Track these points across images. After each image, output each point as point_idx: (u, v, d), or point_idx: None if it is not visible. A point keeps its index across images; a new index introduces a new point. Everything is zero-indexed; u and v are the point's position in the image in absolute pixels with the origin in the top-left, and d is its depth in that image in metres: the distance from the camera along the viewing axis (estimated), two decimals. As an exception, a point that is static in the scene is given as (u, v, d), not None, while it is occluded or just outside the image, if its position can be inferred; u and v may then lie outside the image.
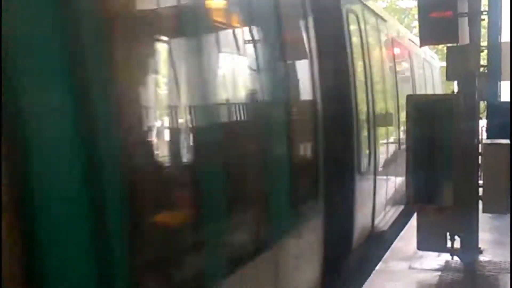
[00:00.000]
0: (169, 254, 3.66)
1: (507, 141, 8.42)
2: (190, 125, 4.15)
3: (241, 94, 5.29)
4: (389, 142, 10.63)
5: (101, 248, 2.86)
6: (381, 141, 9.67)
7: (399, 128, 11.10)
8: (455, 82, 9.34)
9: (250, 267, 4.63)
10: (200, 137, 4.05)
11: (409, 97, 8.47)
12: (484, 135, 14.80)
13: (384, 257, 9.21)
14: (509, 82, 14.16)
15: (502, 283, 7.74)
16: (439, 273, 8.08)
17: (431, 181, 8.02)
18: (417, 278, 8.02)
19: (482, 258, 8.45)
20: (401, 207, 11.01)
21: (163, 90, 3.92)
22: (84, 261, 2.79)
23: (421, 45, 9.55)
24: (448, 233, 8.07)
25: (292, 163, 5.66)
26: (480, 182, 8.28)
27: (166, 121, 3.99)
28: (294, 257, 5.68)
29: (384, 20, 10.88)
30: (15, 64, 2.45)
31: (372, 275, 8.37)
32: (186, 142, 4.12)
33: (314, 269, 6.37)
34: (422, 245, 8.24)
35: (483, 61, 8.86)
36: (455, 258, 8.23)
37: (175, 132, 3.95)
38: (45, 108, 2.61)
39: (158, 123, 3.78)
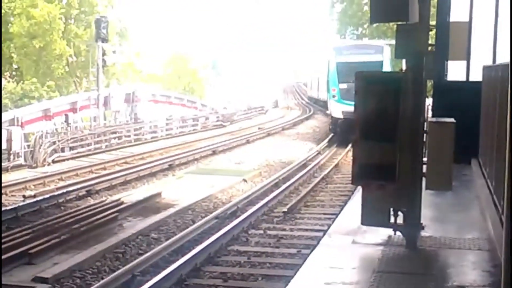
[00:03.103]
0: None
1: (452, 120, 8.57)
2: None
3: None
4: None
5: None
6: None
7: None
8: (403, 60, 9.42)
9: None
10: None
11: (358, 74, 8.50)
12: (430, 113, 15.08)
13: (329, 231, 9.34)
14: (454, 62, 14.40)
15: (442, 258, 7.95)
16: (382, 247, 8.24)
17: (376, 157, 8.11)
18: (360, 252, 8.16)
19: (423, 233, 8.64)
20: None
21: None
22: None
23: (371, 22, 9.61)
24: (391, 209, 8.20)
25: None
26: (424, 159, 8.42)
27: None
28: None
29: None
30: None
31: (316, 249, 8.49)
32: None
33: None
34: (366, 220, 8.35)
35: (432, 40, 8.97)
36: (398, 233, 8.39)
37: None
38: None
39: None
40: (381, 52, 29.03)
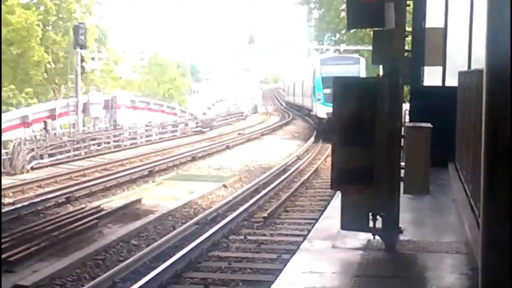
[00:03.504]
0: None
1: (428, 125, 8.68)
2: None
3: None
4: None
5: None
6: None
7: None
8: (380, 66, 9.54)
9: None
10: None
11: (336, 79, 8.59)
12: (407, 118, 15.23)
13: (308, 236, 9.41)
14: (431, 67, 14.56)
15: (421, 261, 8.04)
16: (361, 252, 8.31)
17: (355, 162, 8.19)
18: (340, 256, 8.22)
19: (402, 237, 8.73)
20: None
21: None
22: None
23: (349, 28, 9.71)
24: (370, 213, 8.27)
25: None
26: (402, 164, 8.51)
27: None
28: None
29: None
30: None
31: (296, 254, 8.54)
32: None
33: None
34: (345, 225, 8.41)
35: (408, 46, 9.08)
36: (377, 237, 8.46)
37: None
38: None
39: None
40: (358, 63, 35.76)
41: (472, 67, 13.66)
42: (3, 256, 10.91)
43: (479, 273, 4.64)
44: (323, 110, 34.00)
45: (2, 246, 11.63)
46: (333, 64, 35.23)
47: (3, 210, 15.12)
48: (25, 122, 29.48)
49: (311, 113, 40.83)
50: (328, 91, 32.31)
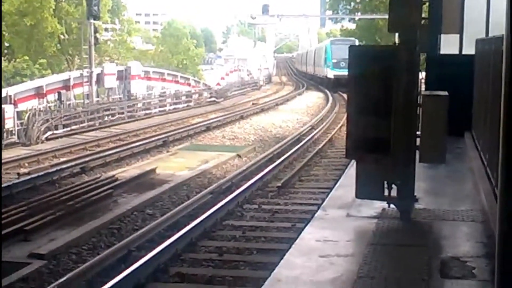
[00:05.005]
0: None
1: (445, 93, 8.59)
2: None
3: None
4: None
5: None
6: None
7: None
8: (396, 34, 9.41)
9: None
10: None
11: (351, 48, 8.49)
12: (423, 86, 15.09)
13: (323, 204, 9.39)
14: (448, 35, 14.38)
15: (436, 230, 8.01)
16: (376, 220, 8.29)
17: (370, 131, 8.14)
18: (355, 225, 8.21)
19: (417, 206, 8.70)
20: None
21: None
22: None
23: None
24: (385, 182, 8.23)
25: None
26: (418, 132, 8.44)
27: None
28: None
29: None
30: None
31: (310, 222, 8.54)
32: None
33: None
34: (360, 193, 8.38)
35: (424, 14, 8.94)
36: (392, 206, 8.43)
37: None
38: None
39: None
40: (355, 43, 47.87)
41: (490, 35, 13.46)
42: (19, 225, 11.01)
43: (495, 241, 4.60)
44: (331, 73, 51.61)
45: (19, 215, 11.73)
46: (338, 44, 51.40)
47: (19, 180, 15.23)
48: (39, 93, 29.50)
49: (321, 75, 58.42)
50: (335, 60, 50.81)
